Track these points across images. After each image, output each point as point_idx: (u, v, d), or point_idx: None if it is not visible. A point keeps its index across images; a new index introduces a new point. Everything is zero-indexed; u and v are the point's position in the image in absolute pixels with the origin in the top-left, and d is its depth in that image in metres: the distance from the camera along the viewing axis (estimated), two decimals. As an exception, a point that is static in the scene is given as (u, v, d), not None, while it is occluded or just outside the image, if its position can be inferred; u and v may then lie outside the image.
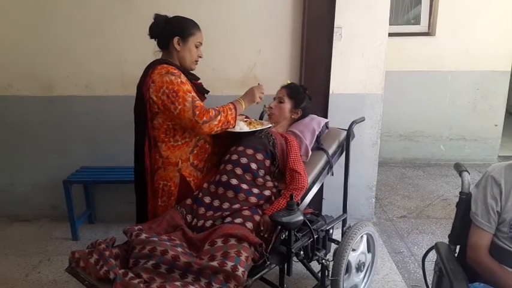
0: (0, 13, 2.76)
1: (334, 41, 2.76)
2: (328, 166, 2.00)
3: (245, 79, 2.84)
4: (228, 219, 1.67)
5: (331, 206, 2.84)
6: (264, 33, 2.78)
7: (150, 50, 1.88)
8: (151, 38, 1.85)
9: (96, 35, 2.78)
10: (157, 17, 1.83)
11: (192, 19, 1.87)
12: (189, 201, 1.82)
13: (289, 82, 2.19)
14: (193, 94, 1.76)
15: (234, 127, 1.88)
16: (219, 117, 1.77)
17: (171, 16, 1.85)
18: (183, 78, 1.77)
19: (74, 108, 2.91)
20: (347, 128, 2.11)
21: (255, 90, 1.97)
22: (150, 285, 1.36)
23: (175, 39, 1.81)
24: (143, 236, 1.60)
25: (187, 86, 1.75)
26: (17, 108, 2.92)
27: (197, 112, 1.72)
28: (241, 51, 2.82)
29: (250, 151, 1.87)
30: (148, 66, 1.82)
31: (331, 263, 1.88)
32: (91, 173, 2.89)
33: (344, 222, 2.16)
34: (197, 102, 1.73)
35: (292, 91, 2.10)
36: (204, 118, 1.73)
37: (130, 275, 1.43)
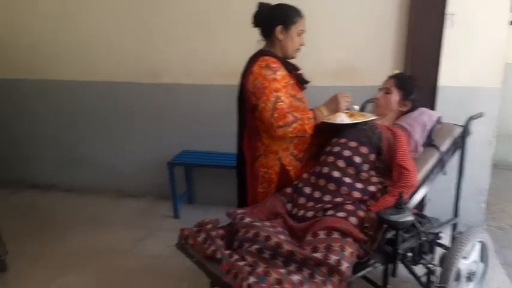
0: (118, 5, 3.04)
1: (445, 29, 2.53)
2: (440, 164, 1.84)
3: (344, 69, 2.75)
4: (330, 212, 1.63)
5: (435, 209, 2.63)
6: (366, 20, 2.66)
7: (253, 40, 1.87)
8: (255, 26, 1.85)
9: (201, 25, 2.91)
10: (261, 6, 1.83)
11: (295, 6, 1.82)
12: (289, 190, 1.82)
13: (397, 72, 2.06)
14: (279, 94, 1.72)
15: (334, 120, 1.82)
16: (294, 124, 1.72)
17: (274, 4, 1.83)
18: (280, 73, 1.76)
19: (179, 95, 3.11)
20: (462, 124, 1.92)
21: (339, 98, 1.83)
22: (255, 269, 1.39)
23: (278, 28, 1.79)
24: (247, 219, 1.64)
25: (278, 84, 1.73)
26: (126, 94, 3.21)
27: (276, 114, 1.69)
28: (341, 39, 2.72)
29: (353, 144, 1.80)
30: (252, 57, 1.84)
31: (438, 269, 1.74)
32: (192, 157, 3.06)
33: (454, 226, 1.99)
34: (279, 104, 1.70)
35: (401, 81, 1.97)
36: (280, 122, 1.70)
37: (236, 256, 1.48)
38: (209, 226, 1.66)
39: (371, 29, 2.67)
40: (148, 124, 3.23)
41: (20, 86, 3.42)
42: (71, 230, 2.90)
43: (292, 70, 1.86)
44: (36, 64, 3.32)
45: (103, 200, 3.38)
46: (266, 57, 1.77)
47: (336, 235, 1.51)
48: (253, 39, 1.87)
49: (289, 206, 1.77)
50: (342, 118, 1.84)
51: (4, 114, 3.53)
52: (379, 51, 2.69)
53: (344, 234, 1.51)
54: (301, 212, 1.71)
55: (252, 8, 1.83)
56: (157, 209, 3.21)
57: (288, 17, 1.80)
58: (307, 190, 1.78)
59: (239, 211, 1.73)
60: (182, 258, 1.65)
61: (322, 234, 1.53)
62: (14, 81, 3.41)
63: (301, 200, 1.75)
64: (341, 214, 1.61)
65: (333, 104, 1.83)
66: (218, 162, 2.92)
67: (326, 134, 1.95)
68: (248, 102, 1.81)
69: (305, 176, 1.84)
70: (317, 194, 1.74)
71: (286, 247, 1.47)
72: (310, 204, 1.72)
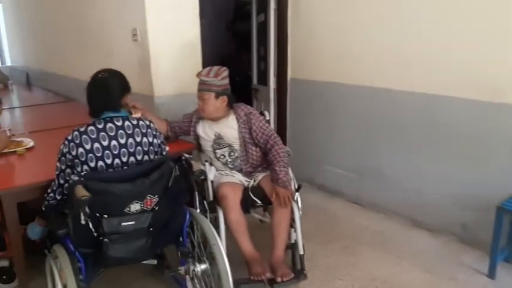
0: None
1: None
2: None
3: None
4: None
5: None
6: None
7: None
8: None
9: None
10: None
11: None
12: None
13: None
14: None
15: None
16: None
17: None
18: None
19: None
20: None
21: None
22: None
23: None
24: None
25: None
26: (447, 111, 2.68)
27: None
28: None
29: None
30: None
31: None
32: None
33: None
34: None
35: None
36: None
37: None
38: None
39: None
40: (474, 150, 2.61)
41: (329, 89, 3.45)
42: (354, 244, 2.71)
43: None
44: (349, 68, 3.25)
45: (390, 223, 3.02)
46: None
47: None
48: None
49: None
50: None
51: (313, 114, 3.66)
52: None
53: None
54: None
55: None
56: (460, 256, 2.57)
57: None
58: None
59: None
60: None
61: None
62: (324, 84, 3.48)
63: None
64: None
65: None
66: None
67: None
68: None
69: None
70: None
71: None
72: None
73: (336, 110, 3.44)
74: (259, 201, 2.23)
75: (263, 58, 4.09)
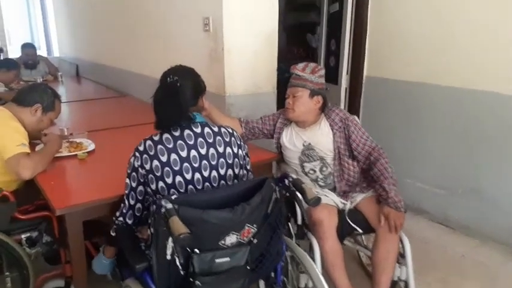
0: None
1: None
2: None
3: None
4: None
5: None
6: None
7: None
8: None
9: None
10: None
11: None
12: None
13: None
14: None
15: None
16: None
17: None
18: None
19: None
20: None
21: None
22: None
23: None
24: None
25: None
26: None
27: None
28: None
29: None
30: None
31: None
32: None
33: None
34: None
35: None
36: None
37: None
38: None
39: None
40: None
41: (416, 90, 3.00)
42: (453, 277, 2.28)
43: None
44: (447, 67, 2.76)
45: (489, 251, 2.55)
46: None
47: None
48: None
49: None
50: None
51: (392, 118, 3.22)
52: None
53: None
54: None
55: None
56: None
57: None
58: None
59: None
60: None
61: None
62: (409, 84, 3.02)
63: None
64: None
65: None
66: None
67: None
68: None
69: None
70: None
71: None
72: None
73: (421, 115, 2.98)
74: (359, 229, 1.84)
75: (333, 53, 3.69)
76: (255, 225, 1.33)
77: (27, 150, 1.86)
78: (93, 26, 5.14)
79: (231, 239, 1.30)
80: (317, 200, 1.34)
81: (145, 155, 1.40)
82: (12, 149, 1.80)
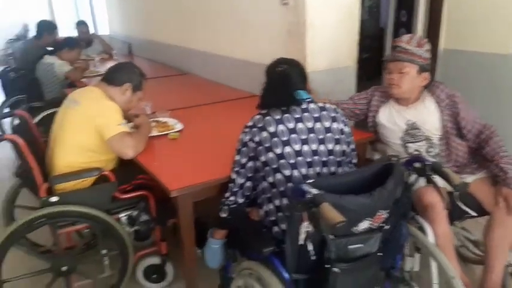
0: None
1: None
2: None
3: None
4: None
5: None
6: None
7: None
8: None
9: None
10: None
11: None
12: None
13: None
14: None
15: None
16: None
17: None
18: None
19: None
20: None
21: None
22: None
23: None
24: None
25: None
26: None
27: None
28: None
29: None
30: None
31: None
32: None
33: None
34: None
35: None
36: None
37: None
38: None
39: None
40: None
41: (506, 63, 2.75)
42: None
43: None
44: None
45: None
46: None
47: None
48: None
49: None
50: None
51: (474, 97, 2.97)
52: None
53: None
54: None
55: None
56: None
57: None
58: None
59: None
60: None
61: None
62: (497, 57, 2.78)
63: None
64: None
65: None
66: None
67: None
68: None
69: None
70: None
71: None
72: None
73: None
74: (472, 212, 1.73)
75: (404, 24, 3.48)
76: (387, 211, 1.26)
77: (128, 129, 1.86)
78: (150, 4, 5.08)
79: (364, 224, 1.23)
80: (465, 185, 1.24)
81: (254, 129, 1.45)
82: (115, 128, 1.80)
